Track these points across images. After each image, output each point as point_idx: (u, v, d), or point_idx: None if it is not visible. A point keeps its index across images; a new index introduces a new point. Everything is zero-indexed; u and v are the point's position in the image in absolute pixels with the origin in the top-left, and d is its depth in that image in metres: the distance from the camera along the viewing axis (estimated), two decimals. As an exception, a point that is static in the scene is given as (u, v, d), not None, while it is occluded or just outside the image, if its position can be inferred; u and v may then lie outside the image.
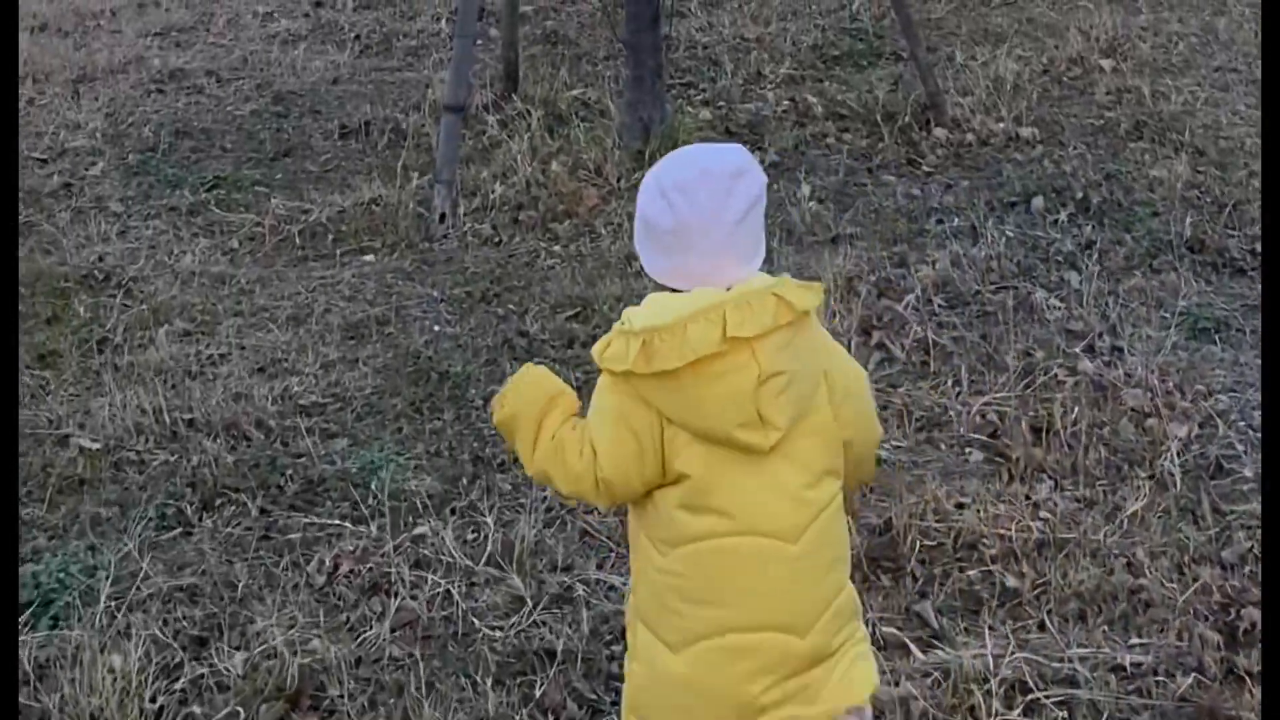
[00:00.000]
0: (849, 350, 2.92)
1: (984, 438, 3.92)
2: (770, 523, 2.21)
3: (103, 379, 4.25)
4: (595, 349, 2.21)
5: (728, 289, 2.16)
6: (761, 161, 5.97)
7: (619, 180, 5.68)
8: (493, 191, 5.57)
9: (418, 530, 3.53)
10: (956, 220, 5.27)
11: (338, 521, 3.60)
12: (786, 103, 6.46)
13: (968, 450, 3.90)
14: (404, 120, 6.47)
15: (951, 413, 4.05)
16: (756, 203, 2.20)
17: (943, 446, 3.93)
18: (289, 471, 3.79)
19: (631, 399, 2.19)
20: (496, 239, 5.31)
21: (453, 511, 3.63)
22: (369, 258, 5.19)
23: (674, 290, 2.19)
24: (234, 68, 7.44)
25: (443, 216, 5.39)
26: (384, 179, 5.80)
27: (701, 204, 2.17)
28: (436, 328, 4.63)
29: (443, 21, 8.04)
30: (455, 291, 4.86)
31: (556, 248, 5.22)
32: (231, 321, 4.66)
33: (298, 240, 5.35)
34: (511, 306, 4.76)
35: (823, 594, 2.27)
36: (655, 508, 2.25)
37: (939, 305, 4.64)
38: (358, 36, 7.95)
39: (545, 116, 6.34)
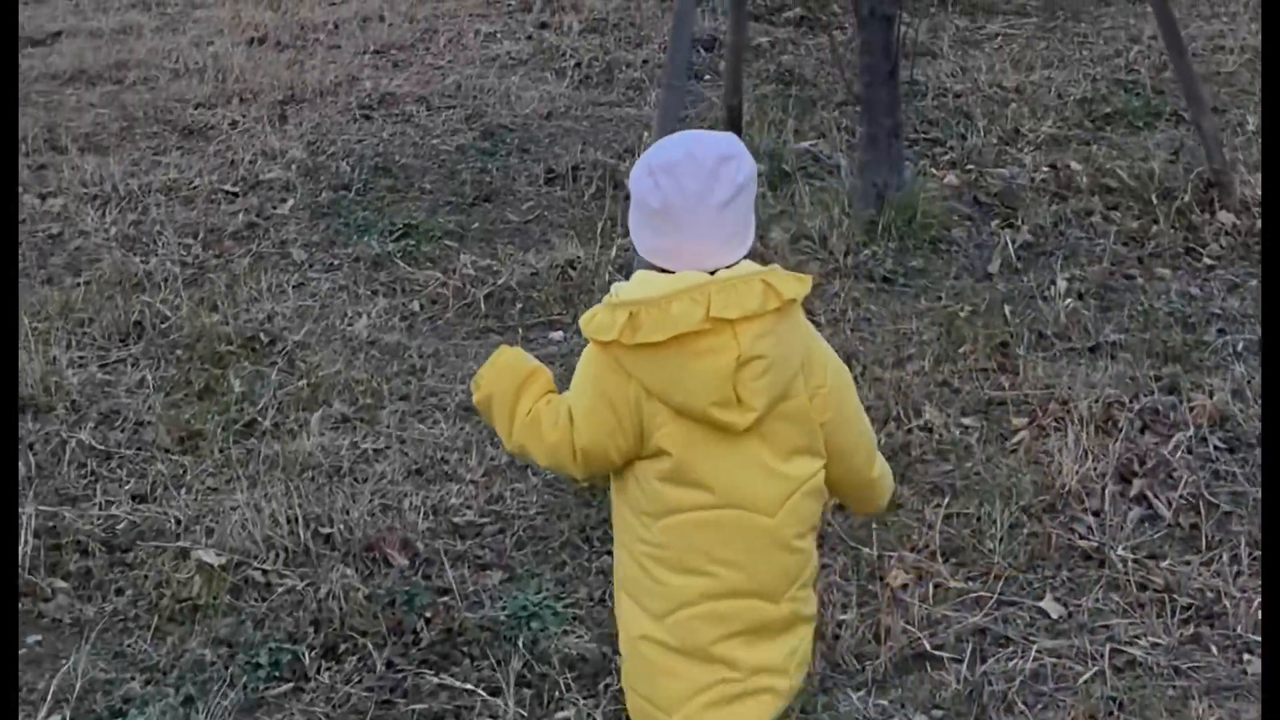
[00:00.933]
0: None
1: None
2: (749, 497, 2.32)
3: (242, 473, 3.83)
4: (582, 320, 2.29)
5: (712, 273, 2.24)
6: (1014, 240, 5.50)
7: (845, 255, 5.06)
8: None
9: (561, 714, 2.99)
10: (1243, 333, 4.50)
11: (472, 687, 3.08)
12: (1046, 170, 5.74)
13: (1246, 658, 3.17)
14: (616, 166, 5.96)
15: (1227, 602, 3.32)
16: (743, 189, 2.28)
17: (1214, 649, 3.21)
18: (428, 613, 3.30)
19: (613, 371, 2.28)
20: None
21: (607, 689, 3.07)
22: (556, 335, 4.69)
23: (663, 270, 2.28)
24: (447, 94, 7.05)
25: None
26: (584, 237, 5.30)
27: (687, 186, 2.25)
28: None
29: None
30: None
31: (767, 335, 4.62)
32: (395, 407, 4.21)
33: (483, 307, 4.89)
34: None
35: (795, 563, 2.38)
36: (637, 481, 2.34)
37: (1216, 448, 3.90)
38: (579, 64, 7.49)
39: (770, 171, 5.76)
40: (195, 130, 6.62)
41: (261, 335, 4.62)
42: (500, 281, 4.99)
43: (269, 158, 6.20)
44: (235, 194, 5.81)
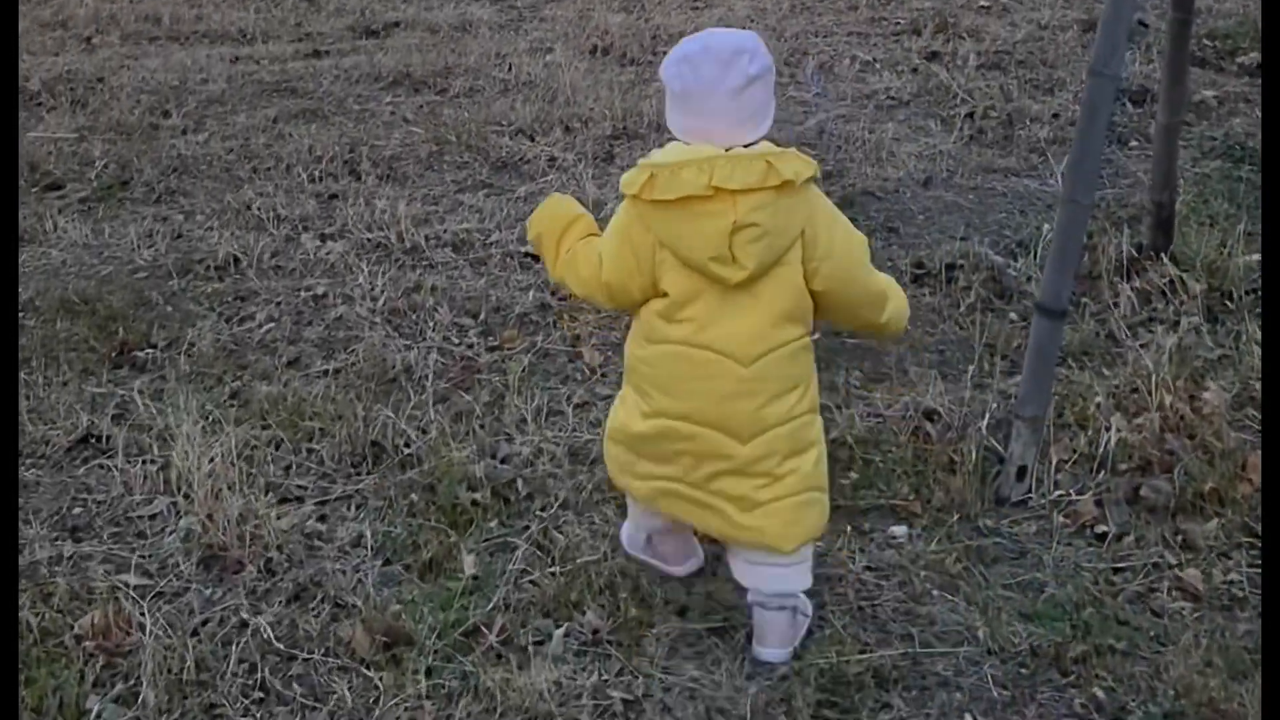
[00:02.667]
0: None
1: None
2: (726, 344, 2.84)
3: (441, 715, 2.87)
4: (622, 177, 2.82)
5: (728, 150, 2.73)
6: None
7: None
8: (1105, 431, 3.75)
9: None
10: None
11: None
12: None
13: None
14: (1004, 268, 4.75)
15: None
16: (756, 80, 2.77)
17: None
18: None
19: (637, 221, 2.83)
20: (1100, 529, 3.52)
21: None
22: (898, 530, 3.55)
23: (688, 145, 2.78)
24: (805, 141, 5.96)
25: (1021, 471, 3.65)
26: (951, 373, 4.14)
27: (704, 75, 2.76)
28: (965, 699, 2.95)
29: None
30: (1011, 634, 3.13)
31: (1193, 569, 3.36)
32: (667, 627, 3.17)
33: (806, 467, 3.77)
34: (1101, 690, 2.98)
35: (767, 415, 2.87)
36: (644, 313, 2.93)
37: None
38: (971, 113, 6.28)
39: (1208, 296, 4.44)
40: (508, 164, 5.77)
41: (519, 483, 3.66)
42: (832, 435, 3.86)
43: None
44: (533, 260, 4.89)
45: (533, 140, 5.97)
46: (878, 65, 6.99)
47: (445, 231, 5.10)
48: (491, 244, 5.03)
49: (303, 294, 4.69)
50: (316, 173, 5.65)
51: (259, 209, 5.30)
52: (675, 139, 2.83)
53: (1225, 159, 5.68)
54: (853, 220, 2.98)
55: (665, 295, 2.86)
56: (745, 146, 2.77)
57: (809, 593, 3.10)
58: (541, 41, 7.38)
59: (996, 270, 4.80)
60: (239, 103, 6.60)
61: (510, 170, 5.73)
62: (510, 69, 6.86)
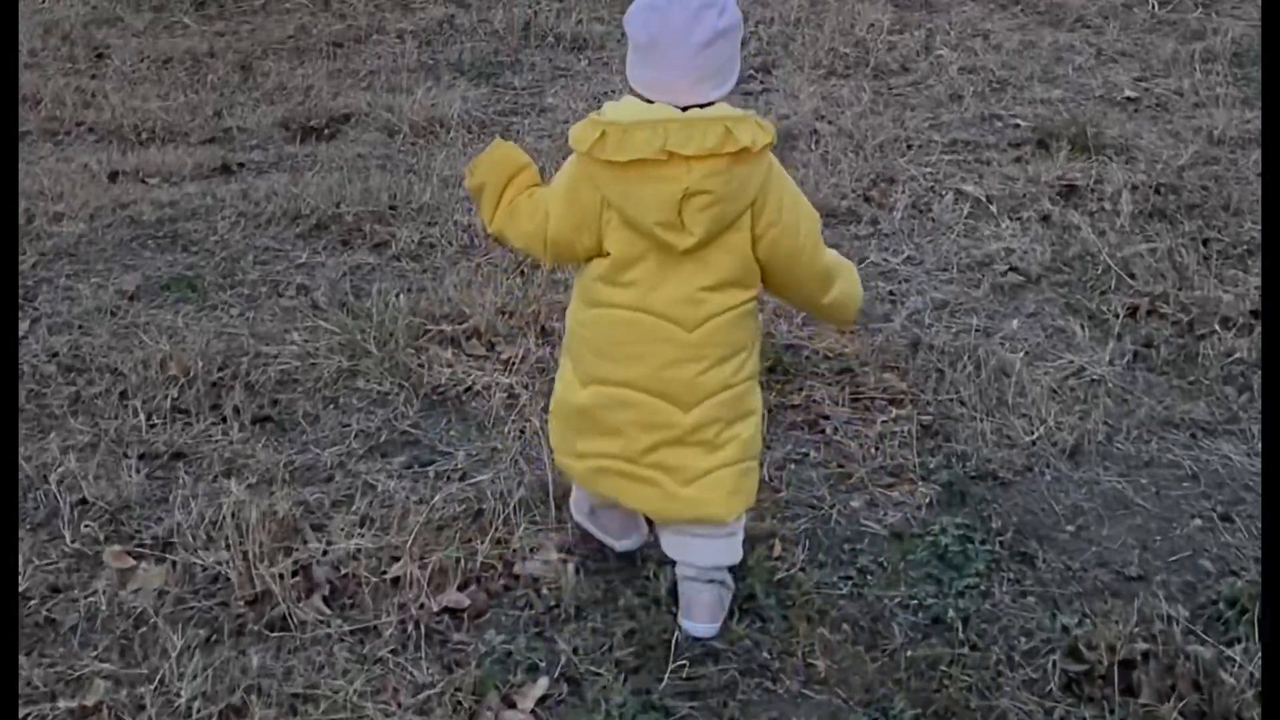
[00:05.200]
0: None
1: None
2: (667, 308, 2.86)
3: None
4: (571, 130, 2.81)
5: (685, 109, 2.75)
6: None
7: None
8: None
9: None
10: None
11: None
12: None
13: None
14: (1212, 666, 2.98)
15: None
16: (723, 34, 2.79)
17: None
18: None
19: (585, 178, 2.83)
20: None
21: None
22: None
23: (647, 100, 2.78)
24: (891, 363, 4.15)
25: None
26: None
27: (671, 24, 2.76)
28: None
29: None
30: None
31: None
32: None
33: None
34: None
35: (709, 381, 2.90)
36: (585, 274, 2.94)
37: None
38: (1133, 309, 4.56)
39: None
40: (447, 398, 4.00)
41: None
42: None
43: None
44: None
45: (490, 354, 4.21)
46: (992, 206, 5.18)
47: (326, 559, 3.34)
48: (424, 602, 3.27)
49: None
50: (162, 407, 3.92)
51: (43, 495, 3.58)
52: (633, 91, 2.84)
53: None
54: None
55: (608, 255, 2.89)
56: (703, 106, 2.79)
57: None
58: (538, 149, 5.62)
59: (1202, 668, 3.00)
60: (95, 257, 4.89)
61: (451, 409, 3.97)
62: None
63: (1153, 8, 7.38)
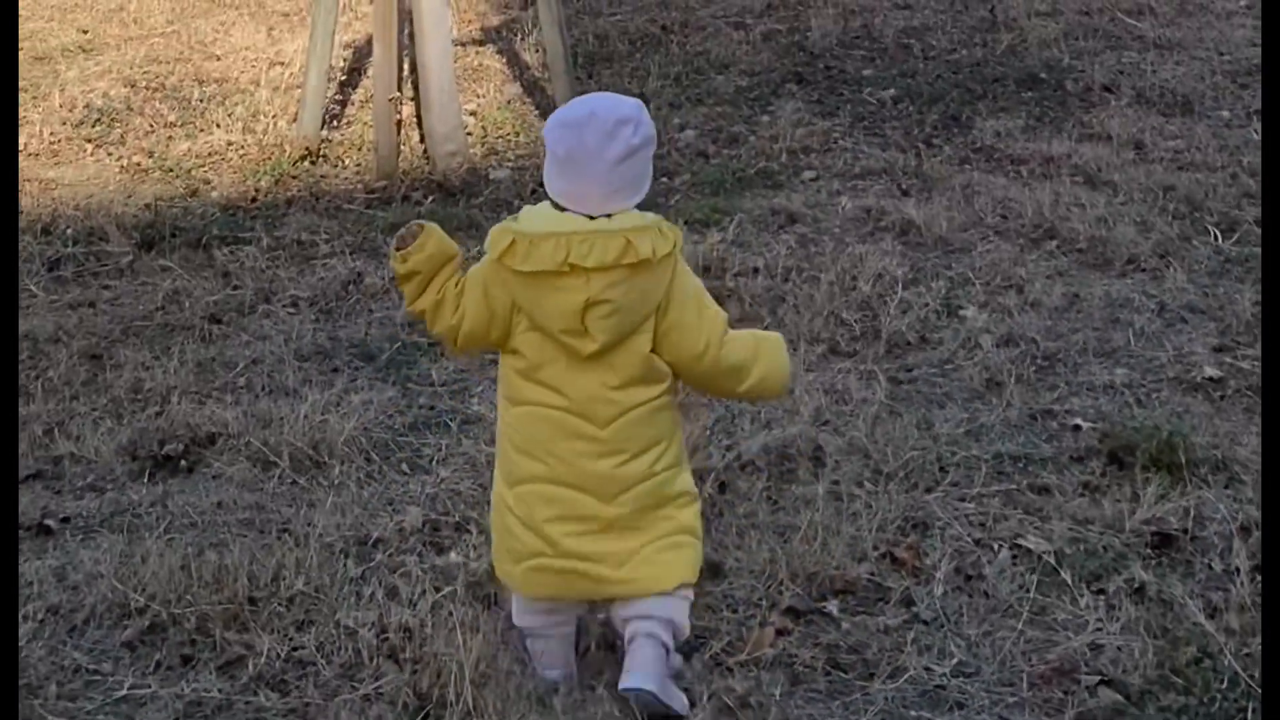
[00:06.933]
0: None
1: None
2: (582, 407, 3.16)
3: None
4: (490, 233, 3.18)
5: (608, 216, 3.09)
6: None
7: None
8: None
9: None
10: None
11: None
12: None
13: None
14: None
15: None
16: (638, 150, 3.11)
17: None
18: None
19: (497, 281, 3.18)
20: None
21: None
22: None
23: (561, 209, 3.12)
24: None
25: None
26: None
27: (587, 142, 3.08)
28: None
29: None
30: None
31: None
32: None
33: None
34: None
35: (627, 474, 3.19)
36: (505, 371, 3.28)
37: None
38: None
39: None
40: None
41: None
42: None
43: None
44: None
45: None
46: (1064, 572, 3.96)
47: None
48: None
49: None
50: None
51: None
52: (550, 199, 3.17)
53: None
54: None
55: (520, 354, 3.21)
56: (609, 217, 3.10)
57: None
58: (456, 491, 4.40)
59: None
60: None
61: None
62: (367, 611, 3.82)
63: (1216, 241, 6.21)
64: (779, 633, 3.78)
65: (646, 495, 3.21)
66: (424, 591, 3.88)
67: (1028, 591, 3.94)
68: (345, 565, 4.05)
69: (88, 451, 4.78)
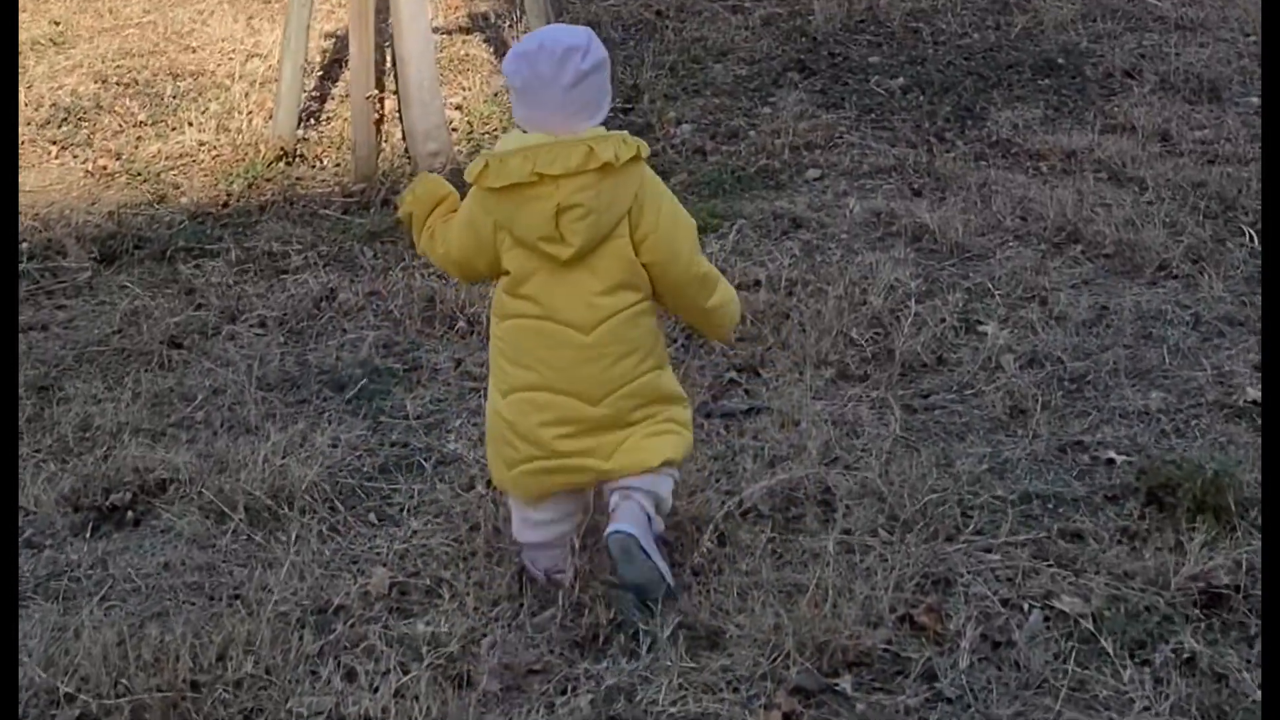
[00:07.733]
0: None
1: None
2: (566, 314, 3.40)
3: None
4: (468, 166, 3.44)
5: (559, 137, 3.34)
6: None
7: None
8: None
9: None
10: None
11: None
12: None
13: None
14: None
15: None
16: (588, 75, 3.35)
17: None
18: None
19: (478, 206, 3.44)
20: None
21: None
22: None
23: (526, 133, 3.40)
24: None
25: None
26: None
27: (540, 71, 3.34)
28: None
29: None
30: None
31: None
32: None
33: None
34: None
35: (613, 376, 3.44)
36: (496, 293, 3.52)
37: None
38: None
39: None
40: None
41: None
42: None
43: None
44: None
45: None
46: (1104, 639, 3.53)
47: None
48: None
49: None
50: None
51: None
52: (519, 126, 3.43)
53: None
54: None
55: (506, 272, 3.45)
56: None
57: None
58: (425, 545, 3.97)
59: None
60: None
61: None
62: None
63: (1251, 242, 5.76)
64: (786, 716, 3.36)
65: (633, 395, 3.48)
66: (387, 671, 3.47)
67: (1064, 662, 3.51)
68: (301, 638, 3.62)
69: (27, 501, 4.35)
